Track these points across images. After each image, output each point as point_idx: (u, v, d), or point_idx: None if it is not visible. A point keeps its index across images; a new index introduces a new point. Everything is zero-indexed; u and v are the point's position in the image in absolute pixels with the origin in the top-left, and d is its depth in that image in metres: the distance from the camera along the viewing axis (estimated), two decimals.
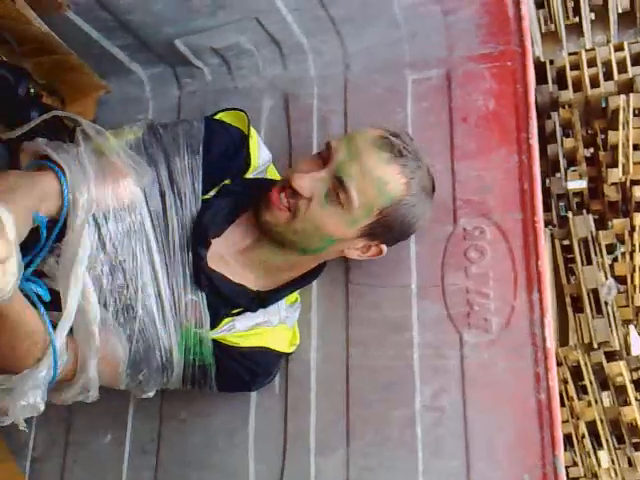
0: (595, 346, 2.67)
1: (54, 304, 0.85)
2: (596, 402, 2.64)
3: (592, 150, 2.95)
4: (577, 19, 2.82)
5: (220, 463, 1.15)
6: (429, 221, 1.07)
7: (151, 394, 1.05)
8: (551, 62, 2.95)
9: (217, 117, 1.11)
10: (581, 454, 2.60)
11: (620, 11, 2.74)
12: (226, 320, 1.04)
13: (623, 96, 2.79)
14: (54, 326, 0.84)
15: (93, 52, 1.28)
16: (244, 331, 1.05)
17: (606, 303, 2.68)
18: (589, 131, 2.96)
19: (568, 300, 2.74)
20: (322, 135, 1.23)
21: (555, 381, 1.02)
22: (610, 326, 2.67)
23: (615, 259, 2.82)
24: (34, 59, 1.23)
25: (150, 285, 0.97)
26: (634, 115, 2.76)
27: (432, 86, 1.20)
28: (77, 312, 0.85)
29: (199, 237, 1.01)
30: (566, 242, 2.81)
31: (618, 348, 2.70)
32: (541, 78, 2.91)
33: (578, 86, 2.93)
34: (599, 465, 2.60)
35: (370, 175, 0.96)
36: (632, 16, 2.71)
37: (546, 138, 2.91)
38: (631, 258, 2.78)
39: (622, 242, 2.78)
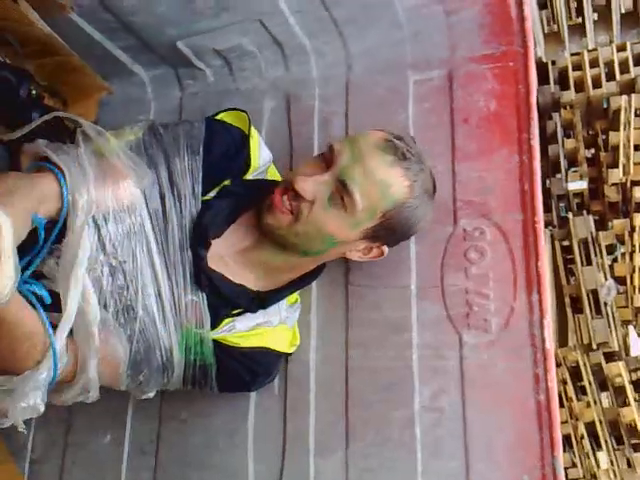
0: (594, 347, 2.68)
1: (54, 305, 0.85)
2: (595, 403, 2.65)
3: (593, 151, 2.96)
4: (580, 19, 2.82)
5: (219, 463, 1.15)
6: (430, 222, 1.07)
7: (151, 395, 1.05)
8: (553, 63, 2.95)
9: (218, 117, 1.11)
10: (580, 455, 2.61)
11: (623, 11, 2.74)
12: (226, 320, 1.04)
13: (625, 96, 2.79)
14: (54, 327, 0.84)
15: (95, 53, 1.28)
16: (245, 331, 1.05)
17: (605, 304, 2.68)
18: (590, 132, 2.96)
19: (568, 301, 2.75)
20: (323, 136, 1.24)
21: (554, 382, 1.02)
22: (609, 327, 2.67)
23: (615, 260, 2.82)
24: (36, 61, 1.23)
25: (150, 286, 0.97)
26: (635, 115, 2.76)
27: (434, 87, 1.20)
28: (77, 313, 0.85)
29: (199, 238, 1.01)
30: (566, 243, 2.81)
31: (617, 349, 2.71)
32: (543, 79, 2.91)
33: (580, 87, 2.93)
34: (598, 466, 2.60)
35: (373, 178, 0.96)
36: (635, 16, 2.71)
37: (547, 139, 2.91)
38: (631, 259, 2.78)
39: (622, 243, 2.79)
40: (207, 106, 1.29)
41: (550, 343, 1.04)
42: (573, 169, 2.93)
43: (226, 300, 1.03)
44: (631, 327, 2.80)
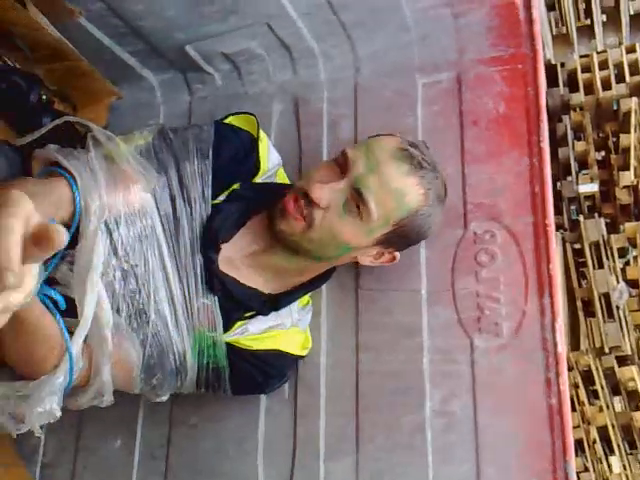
0: (606, 351, 2.66)
1: (67, 311, 0.85)
2: (607, 407, 2.63)
3: (603, 153, 2.94)
4: (588, 21, 2.81)
5: (230, 469, 1.15)
6: (440, 226, 1.07)
7: (165, 398, 1.05)
8: (562, 65, 2.94)
9: (227, 121, 1.11)
10: (592, 459, 2.59)
11: (632, 13, 2.73)
12: (239, 323, 1.04)
13: (635, 98, 2.78)
14: (69, 332, 0.84)
15: (104, 58, 1.29)
16: (257, 334, 1.05)
17: (617, 307, 2.67)
18: (600, 134, 2.95)
19: (579, 304, 2.73)
20: (332, 139, 1.24)
21: (566, 386, 1.01)
22: (622, 330, 2.65)
23: (627, 263, 2.80)
24: (46, 65, 1.24)
25: (162, 289, 0.97)
26: None
27: (442, 89, 1.20)
28: None
29: (209, 242, 1.01)
30: (577, 246, 2.80)
31: (630, 353, 2.68)
32: (552, 81, 2.90)
33: (589, 89, 2.92)
34: (610, 471, 2.58)
35: (389, 187, 0.96)
36: None
37: (557, 141, 2.90)
38: None
39: (634, 246, 2.76)
40: (216, 110, 1.29)
41: (562, 347, 1.03)
42: (584, 172, 2.92)
43: (238, 303, 1.03)
44: None
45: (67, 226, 0.88)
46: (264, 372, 1.05)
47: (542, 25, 2.21)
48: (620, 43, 2.85)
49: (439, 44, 1.20)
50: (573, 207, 2.93)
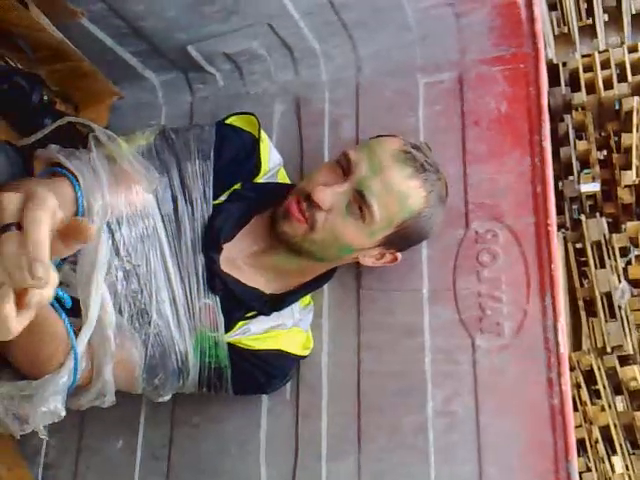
0: (608, 350, 2.65)
1: (71, 311, 0.85)
2: (610, 407, 2.62)
3: (605, 153, 2.93)
4: (590, 20, 2.81)
5: (232, 469, 1.15)
6: (441, 226, 1.07)
7: (167, 398, 1.05)
8: (564, 64, 2.94)
9: (228, 121, 1.11)
10: (595, 459, 2.58)
11: (634, 12, 2.73)
12: (240, 323, 1.04)
13: (637, 98, 2.77)
14: (74, 332, 0.84)
15: (106, 59, 1.29)
16: (259, 334, 1.05)
17: (619, 307, 2.66)
18: (602, 133, 2.94)
19: (581, 304, 2.72)
20: (334, 139, 1.24)
21: (568, 386, 1.01)
22: (624, 330, 2.65)
23: (629, 262, 2.79)
24: (48, 66, 1.24)
25: (164, 289, 0.97)
26: None
27: (444, 89, 1.20)
28: None
29: (211, 242, 1.01)
30: (579, 245, 2.79)
31: (632, 352, 2.68)
32: (554, 80, 2.90)
33: (591, 88, 2.91)
34: (613, 470, 2.57)
35: (392, 190, 0.97)
36: None
37: (559, 141, 2.90)
38: None
39: (636, 245, 2.76)
40: (218, 110, 1.29)
41: (564, 347, 1.03)
42: (585, 171, 2.91)
43: (240, 303, 1.04)
44: None
45: None
46: (266, 372, 1.05)
47: (544, 24, 2.20)
48: (622, 42, 2.85)
49: (441, 44, 1.20)
50: (575, 207, 2.93)
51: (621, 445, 2.60)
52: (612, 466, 2.58)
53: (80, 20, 1.17)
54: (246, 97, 1.32)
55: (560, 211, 2.83)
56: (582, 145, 2.88)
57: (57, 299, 0.82)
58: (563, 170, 2.92)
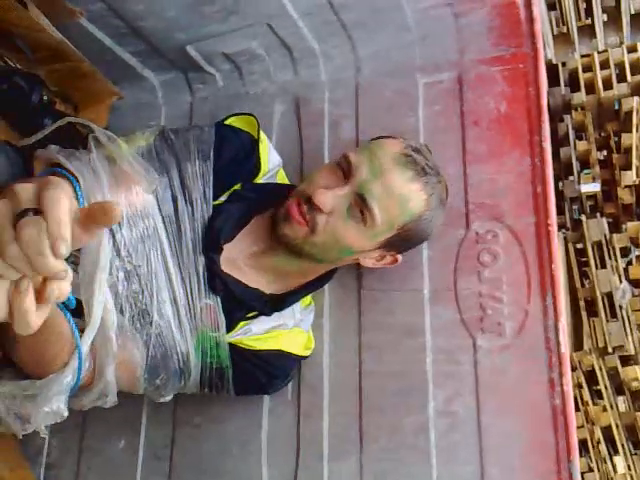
0: (610, 350, 2.65)
1: (74, 311, 0.85)
2: (611, 407, 2.62)
3: (605, 153, 2.94)
4: (589, 21, 2.81)
5: (233, 469, 1.15)
6: (440, 227, 1.07)
7: (168, 398, 1.05)
8: (563, 64, 2.94)
9: (227, 122, 1.11)
10: (597, 460, 2.58)
11: (633, 12, 2.73)
12: (241, 324, 1.04)
13: (636, 98, 2.77)
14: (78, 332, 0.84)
15: (106, 59, 1.29)
16: (260, 334, 1.05)
17: (620, 307, 2.66)
18: (602, 134, 2.94)
19: (582, 304, 2.72)
20: (333, 139, 1.23)
21: (570, 386, 1.01)
22: (625, 330, 2.65)
23: (629, 262, 2.79)
24: (47, 66, 1.24)
25: (165, 290, 0.97)
26: None
27: (443, 89, 1.20)
28: None
29: (211, 242, 1.01)
30: (580, 245, 2.79)
31: (633, 352, 2.68)
32: (553, 80, 2.90)
33: (591, 88, 2.91)
34: (615, 471, 2.57)
35: (393, 193, 0.97)
36: None
37: (559, 141, 2.90)
38: None
39: (636, 245, 2.76)
40: (217, 110, 1.29)
41: (565, 347, 1.02)
42: (586, 171, 2.91)
43: (240, 303, 1.03)
44: None
45: None
46: (267, 372, 1.05)
47: (543, 24, 2.21)
48: (621, 42, 2.85)
49: (440, 44, 1.20)
50: (575, 207, 2.93)
51: (623, 445, 2.60)
52: (614, 466, 2.58)
53: (79, 20, 1.17)
54: (245, 97, 1.32)
55: (560, 211, 2.84)
56: (582, 145, 2.89)
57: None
58: (563, 170, 2.92)
